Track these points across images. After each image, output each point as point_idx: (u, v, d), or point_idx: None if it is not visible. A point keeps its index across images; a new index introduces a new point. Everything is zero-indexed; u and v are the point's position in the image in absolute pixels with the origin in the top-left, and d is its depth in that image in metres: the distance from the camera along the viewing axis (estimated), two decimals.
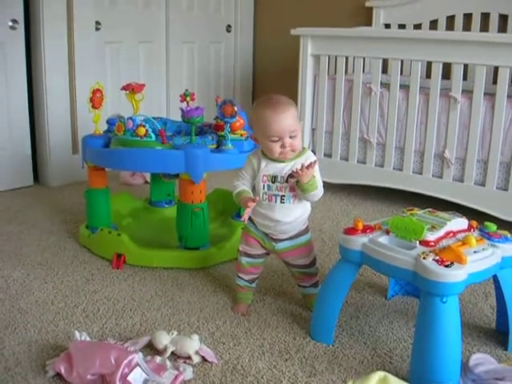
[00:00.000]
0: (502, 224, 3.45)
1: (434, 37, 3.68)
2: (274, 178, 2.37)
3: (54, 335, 2.36)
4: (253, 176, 2.43)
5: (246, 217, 2.31)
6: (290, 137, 2.30)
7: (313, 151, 4.16)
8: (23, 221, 3.70)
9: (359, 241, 2.16)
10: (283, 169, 2.35)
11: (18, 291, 2.74)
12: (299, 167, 2.28)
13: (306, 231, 2.51)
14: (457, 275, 1.91)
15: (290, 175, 2.34)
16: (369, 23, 4.81)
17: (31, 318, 2.49)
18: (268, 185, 2.37)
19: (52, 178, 4.50)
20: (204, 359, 2.17)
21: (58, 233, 3.49)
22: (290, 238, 2.47)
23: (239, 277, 2.58)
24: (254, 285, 2.61)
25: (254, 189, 2.44)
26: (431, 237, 2.09)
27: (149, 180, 4.15)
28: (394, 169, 3.93)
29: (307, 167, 2.24)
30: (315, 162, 2.28)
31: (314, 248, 2.59)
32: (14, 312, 2.54)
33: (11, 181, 4.37)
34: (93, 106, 3.14)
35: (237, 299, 2.61)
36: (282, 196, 2.37)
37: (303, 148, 2.42)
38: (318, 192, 2.34)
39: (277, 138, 2.30)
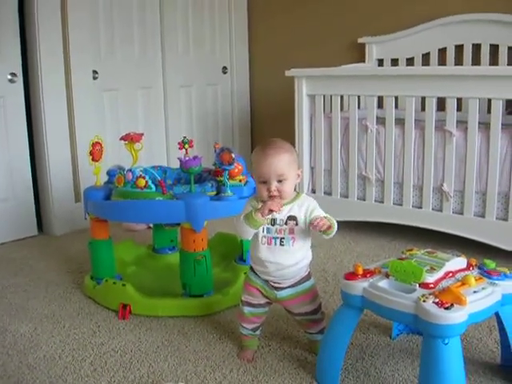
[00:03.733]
0: (504, 254, 3.48)
1: (427, 73, 3.74)
2: (273, 221, 2.38)
3: None
4: None
5: (265, 211, 2.29)
6: (279, 181, 2.32)
7: (313, 190, 4.21)
8: (29, 272, 3.73)
9: (360, 286, 2.18)
10: (281, 212, 2.37)
11: (25, 346, 2.76)
12: (302, 214, 2.35)
13: (307, 277, 2.51)
14: (457, 317, 1.93)
15: (290, 217, 2.36)
16: (362, 59, 4.88)
17: (40, 374, 2.50)
18: (268, 228, 2.38)
19: (56, 227, 4.53)
20: None
21: (63, 284, 3.51)
22: (292, 286, 2.46)
23: (242, 326, 2.58)
24: (257, 332, 2.61)
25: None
26: (430, 279, 2.11)
27: (151, 225, 4.18)
28: (393, 204, 3.96)
29: (319, 222, 2.26)
30: (321, 219, 2.29)
31: (318, 291, 2.59)
32: (22, 368, 2.56)
33: (15, 231, 4.40)
34: (93, 159, 3.19)
35: (242, 346, 2.62)
36: (281, 238, 2.38)
37: (297, 193, 2.44)
38: (335, 223, 2.35)
39: (264, 180, 2.33)
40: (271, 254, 2.40)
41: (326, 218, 2.32)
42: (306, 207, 2.39)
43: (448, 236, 3.72)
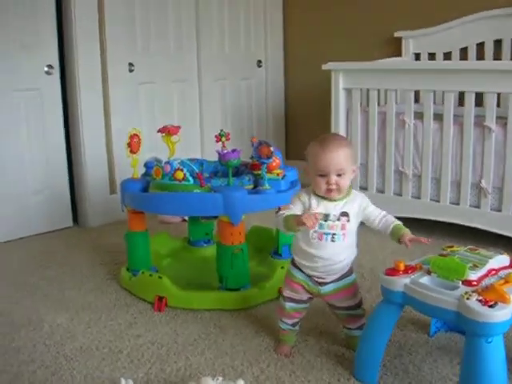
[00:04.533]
0: None
1: (465, 67, 3.69)
2: (326, 217, 2.36)
3: (99, 382, 2.38)
4: (301, 210, 2.40)
5: (300, 222, 2.25)
6: (338, 175, 2.32)
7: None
8: (64, 263, 3.75)
9: (401, 282, 2.15)
10: (335, 207, 2.36)
11: (62, 337, 2.78)
12: (355, 210, 2.38)
13: (350, 272, 2.50)
14: (501, 315, 1.90)
15: (343, 213, 2.36)
16: (398, 53, 4.83)
17: (77, 364, 2.52)
18: (320, 223, 2.35)
19: (91, 219, 4.56)
20: None
21: (98, 275, 3.53)
22: (336, 280, 2.45)
23: (282, 321, 2.57)
24: (297, 328, 2.60)
25: None
26: (473, 276, 2.08)
27: (186, 218, 4.18)
28: (430, 200, 3.92)
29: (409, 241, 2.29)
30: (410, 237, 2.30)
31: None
32: (59, 358, 2.57)
33: (51, 223, 4.44)
34: (131, 151, 3.19)
35: (280, 340, 2.60)
36: (333, 234, 2.36)
37: (349, 188, 2.42)
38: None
39: (323, 174, 2.32)
40: (321, 250, 2.38)
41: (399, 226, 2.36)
42: (358, 204, 2.39)
43: (485, 233, 3.67)
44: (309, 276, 2.46)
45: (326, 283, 2.45)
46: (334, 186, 2.32)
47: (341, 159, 2.31)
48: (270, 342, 2.66)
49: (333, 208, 2.36)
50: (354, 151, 2.44)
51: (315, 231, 2.36)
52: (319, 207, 2.37)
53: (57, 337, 2.78)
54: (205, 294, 3.02)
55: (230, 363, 2.49)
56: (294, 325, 2.57)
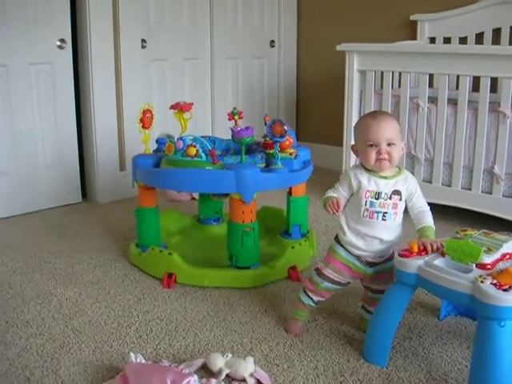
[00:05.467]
0: None
1: (481, 51, 3.64)
2: (377, 195, 2.32)
3: (108, 356, 2.38)
4: (349, 191, 2.39)
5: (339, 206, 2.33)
6: (388, 145, 2.29)
7: None
8: (73, 238, 3.75)
9: (414, 263, 2.13)
10: (386, 185, 2.32)
11: (71, 310, 2.78)
12: (405, 189, 2.35)
13: (392, 256, 2.42)
14: None
15: (395, 191, 2.32)
16: (413, 37, 4.78)
17: (85, 338, 2.52)
18: (371, 201, 2.32)
19: (100, 195, 4.55)
20: (259, 382, 2.17)
21: (108, 250, 3.53)
22: (382, 263, 2.41)
23: (307, 295, 2.51)
24: (317, 306, 2.55)
25: (348, 203, 2.42)
26: (488, 259, 2.07)
27: (196, 197, 4.18)
28: (442, 185, 3.90)
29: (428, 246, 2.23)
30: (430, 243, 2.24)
31: None
32: (67, 332, 2.58)
33: (60, 198, 4.44)
34: (143, 126, 3.17)
35: (293, 315, 2.56)
36: (384, 213, 2.32)
37: (399, 168, 2.40)
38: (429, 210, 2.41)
39: (373, 144, 2.29)
40: (373, 229, 2.34)
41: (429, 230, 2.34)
42: (409, 183, 2.36)
43: (497, 219, 3.65)
44: (357, 256, 2.41)
45: (374, 264, 2.41)
46: (385, 156, 2.29)
47: (391, 129, 2.31)
48: (278, 320, 2.65)
49: (384, 186, 2.32)
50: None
51: (366, 209, 2.32)
52: (370, 184, 2.33)
53: (65, 310, 2.78)
54: (214, 272, 3.01)
55: (239, 341, 2.49)
56: (317, 303, 2.52)
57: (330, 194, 2.41)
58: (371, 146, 2.30)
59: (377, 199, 2.31)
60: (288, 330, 2.55)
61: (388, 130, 2.29)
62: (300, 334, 2.52)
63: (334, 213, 2.33)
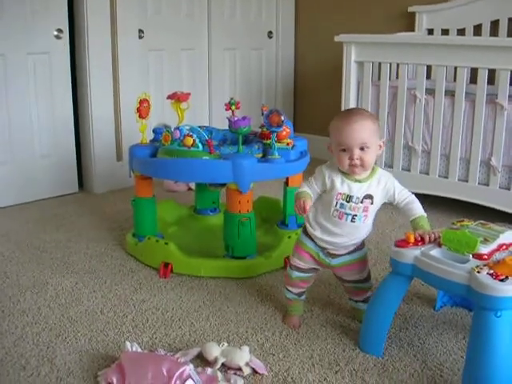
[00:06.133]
0: None
1: (479, 43, 3.63)
2: (348, 198, 2.28)
3: (104, 345, 2.38)
4: (322, 188, 2.36)
5: (306, 207, 2.29)
6: (361, 148, 2.23)
7: None
8: (70, 228, 3.75)
9: (411, 254, 2.13)
10: (359, 189, 2.29)
11: (67, 300, 2.78)
12: (380, 191, 2.32)
13: (362, 246, 2.45)
14: (511, 290, 1.88)
15: (367, 196, 2.29)
16: (411, 28, 4.77)
17: (81, 328, 2.52)
18: (341, 203, 2.29)
19: (96, 185, 4.55)
20: (254, 371, 2.17)
21: (104, 240, 3.52)
22: (347, 254, 2.41)
23: (288, 290, 2.54)
24: (302, 297, 2.57)
25: (319, 198, 2.39)
26: (484, 250, 2.07)
27: (192, 187, 4.18)
28: (439, 176, 3.89)
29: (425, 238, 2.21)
30: (425, 234, 2.22)
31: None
32: (64, 321, 2.58)
33: (56, 188, 4.43)
34: (140, 116, 3.17)
35: (288, 312, 2.58)
36: (353, 215, 2.30)
37: (373, 167, 2.35)
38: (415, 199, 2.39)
39: (346, 148, 2.25)
40: (340, 228, 2.33)
41: (422, 220, 2.32)
42: (383, 185, 2.33)
43: (493, 211, 3.65)
44: (321, 248, 2.42)
45: (337, 255, 2.41)
46: (357, 162, 2.24)
47: (364, 132, 2.23)
48: (275, 310, 2.66)
49: (357, 190, 2.29)
50: (380, 125, 2.36)
51: (336, 209, 2.31)
52: (343, 187, 2.30)
53: (61, 300, 2.78)
54: (211, 262, 3.01)
55: (235, 330, 2.49)
56: (299, 294, 2.54)
57: (304, 189, 2.38)
58: (343, 150, 2.26)
59: (348, 202, 2.29)
60: (286, 323, 2.54)
61: (361, 133, 2.23)
62: (298, 326, 2.52)
63: (300, 214, 2.32)
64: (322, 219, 2.36)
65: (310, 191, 2.36)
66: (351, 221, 2.31)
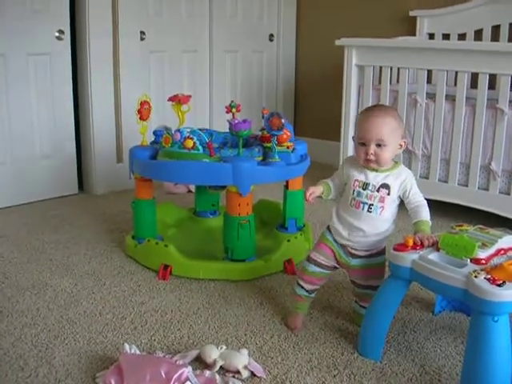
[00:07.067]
0: None
1: (480, 48, 3.63)
2: (365, 185, 2.32)
3: (102, 347, 2.38)
4: (341, 180, 2.43)
5: (309, 196, 2.38)
6: (378, 145, 2.26)
7: None
8: (69, 229, 3.75)
9: (409, 257, 2.14)
10: (375, 177, 2.32)
11: (66, 301, 2.78)
12: (397, 185, 2.33)
13: (383, 251, 2.44)
14: (509, 294, 1.88)
15: (383, 185, 2.31)
16: (412, 33, 4.78)
17: (80, 329, 2.52)
18: (358, 191, 2.33)
19: (96, 187, 4.55)
20: (253, 374, 2.17)
21: (103, 242, 3.53)
22: (367, 256, 2.40)
23: (300, 285, 2.51)
24: (313, 295, 2.54)
25: (342, 192, 2.45)
26: (482, 254, 2.07)
27: (192, 189, 4.18)
28: (439, 181, 3.90)
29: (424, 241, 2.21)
30: (424, 238, 2.22)
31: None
32: (62, 322, 2.58)
33: (56, 189, 4.43)
34: (140, 118, 3.17)
35: (292, 309, 2.55)
36: (370, 205, 2.31)
37: (396, 162, 2.38)
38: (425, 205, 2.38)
39: (363, 142, 2.28)
40: (357, 219, 2.34)
41: (425, 224, 2.31)
42: (402, 179, 2.34)
43: (493, 216, 3.65)
44: (342, 245, 2.42)
45: (357, 256, 2.40)
46: (372, 157, 2.27)
47: (383, 128, 2.25)
48: (273, 313, 2.66)
49: (373, 178, 2.32)
50: (402, 124, 2.37)
51: (353, 198, 2.33)
52: (360, 175, 2.34)
53: (60, 301, 2.78)
54: (210, 264, 3.02)
55: (234, 333, 2.49)
56: (311, 292, 2.51)
57: (324, 180, 2.47)
58: (362, 144, 2.29)
59: (364, 190, 2.32)
60: (288, 323, 2.52)
61: (379, 129, 2.25)
62: (299, 327, 2.49)
63: (308, 200, 2.39)
64: (342, 211, 2.39)
65: (330, 183, 2.45)
66: (368, 211, 2.32)
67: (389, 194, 2.32)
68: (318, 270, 2.47)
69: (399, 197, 2.37)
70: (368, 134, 2.26)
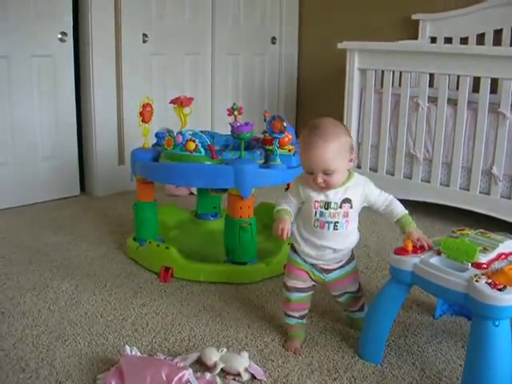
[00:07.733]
0: None
1: (482, 52, 3.64)
2: (327, 205, 2.24)
3: (103, 348, 2.38)
4: (299, 200, 2.32)
5: (285, 236, 2.26)
6: (325, 173, 2.19)
7: (358, 165, 4.16)
8: (71, 231, 3.75)
9: (410, 261, 2.14)
10: (336, 194, 2.25)
11: (67, 303, 2.78)
12: (358, 195, 2.27)
13: (352, 257, 2.43)
14: (510, 299, 1.88)
15: (345, 200, 2.25)
16: (414, 36, 4.78)
17: (81, 331, 2.52)
18: (321, 211, 2.25)
19: (98, 188, 4.56)
20: (253, 377, 2.17)
21: (105, 244, 3.53)
22: (340, 267, 2.38)
23: (289, 315, 2.44)
24: (304, 320, 2.49)
25: (299, 212, 2.36)
26: (483, 259, 2.07)
27: (194, 191, 4.19)
28: (440, 184, 3.90)
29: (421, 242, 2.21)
30: (418, 239, 2.22)
31: (361, 267, 2.52)
32: (63, 324, 2.58)
33: (58, 190, 4.44)
34: (142, 120, 3.17)
35: (289, 337, 2.45)
36: (335, 223, 2.26)
37: (349, 172, 2.30)
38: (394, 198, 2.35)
39: (310, 172, 2.22)
40: (325, 239, 2.29)
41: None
42: (362, 189, 2.28)
43: (494, 220, 3.65)
44: (312, 264, 2.37)
45: (330, 270, 2.38)
46: (322, 185, 2.21)
47: (326, 156, 2.16)
48: (274, 316, 2.66)
49: (333, 195, 2.25)
50: (349, 139, 2.25)
51: (317, 219, 2.27)
52: (319, 195, 2.26)
53: (61, 303, 2.78)
54: (211, 267, 3.02)
55: (235, 336, 2.49)
56: (301, 317, 2.46)
57: (282, 206, 2.36)
58: (310, 173, 2.23)
59: (326, 209, 2.24)
60: (287, 348, 2.40)
61: (322, 159, 2.16)
62: (299, 351, 2.38)
63: (282, 237, 2.26)
64: (306, 232, 2.33)
65: (288, 208, 2.34)
66: (334, 229, 2.27)
67: (351, 208, 2.27)
68: (301, 295, 2.42)
69: (365, 206, 2.34)
70: (313, 164, 2.19)
